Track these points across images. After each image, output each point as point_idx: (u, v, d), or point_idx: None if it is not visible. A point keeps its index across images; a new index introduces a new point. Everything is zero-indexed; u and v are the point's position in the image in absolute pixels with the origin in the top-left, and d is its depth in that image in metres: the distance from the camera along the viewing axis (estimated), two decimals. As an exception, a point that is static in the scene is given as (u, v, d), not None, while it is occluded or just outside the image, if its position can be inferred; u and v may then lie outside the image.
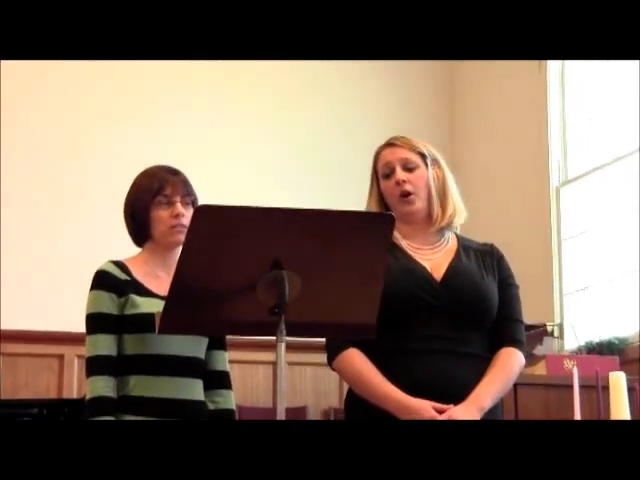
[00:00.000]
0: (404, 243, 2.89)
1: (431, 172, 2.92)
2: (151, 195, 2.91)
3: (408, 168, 2.90)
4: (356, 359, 2.78)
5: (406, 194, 2.88)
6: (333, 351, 2.83)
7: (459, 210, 2.94)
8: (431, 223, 2.91)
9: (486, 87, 7.35)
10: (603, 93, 6.42)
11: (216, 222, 2.25)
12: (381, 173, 2.94)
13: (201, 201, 2.81)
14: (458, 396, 2.72)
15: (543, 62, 6.68)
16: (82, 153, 6.88)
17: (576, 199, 6.48)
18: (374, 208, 2.93)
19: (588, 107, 6.55)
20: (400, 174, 2.89)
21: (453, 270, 2.86)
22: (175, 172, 2.97)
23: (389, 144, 2.96)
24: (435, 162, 2.95)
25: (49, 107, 6.88)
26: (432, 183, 2.91)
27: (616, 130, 6.25)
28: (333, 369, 2.88)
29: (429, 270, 2.85)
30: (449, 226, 2.94)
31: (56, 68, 6.57)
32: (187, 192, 2.94)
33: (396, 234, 2.88)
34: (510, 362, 2.83)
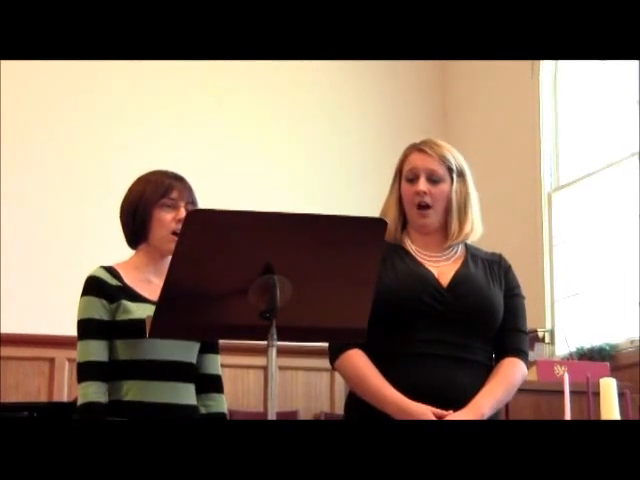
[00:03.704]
0: (413, 248, 2.89)
1: (455, 187, 2.86)
2: (157, 196, 2.90)
3: (433, 180, 2.85)
4: (358, 360, 2.78)
5: (424, 206, 2.84)
6: (335, 351, 2.82)
7: (476, 228, 2.90)
8: (444, 235, 2.88)
9: (478, 92, 7.36)
10: (595, 99, 6.43)
11: (207, 226, 2.25)
12: (405, 176, 2.88)
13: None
14: (459, 402, 2.72)
15: (535, 68, 6.69)
16: (82, 159, 6.86)
17: (568, 205, 6.50)
18: (392, 207, 2.90)
19: (580, 113, 6.57)
20: (423, 185, 2.84)
21: (460, 277, 2.85)
22: (181, 179, 2.97)
23: (420, 149, 2.89)
24: (461, 176, 2.88)
25: (49, 108, 6.86)
26: (454, 198, 2.86)
27: (608, 136, 6.26)
28: (334, 369, 2.87)
29: (436, 276, 2.84)
30: (463, 242, 2.92)
31: (56, 68, 6.56)
32: (191, 199, 2.94)
33: (406, 239, 2.89)
34: (512, 372, 2.83)
